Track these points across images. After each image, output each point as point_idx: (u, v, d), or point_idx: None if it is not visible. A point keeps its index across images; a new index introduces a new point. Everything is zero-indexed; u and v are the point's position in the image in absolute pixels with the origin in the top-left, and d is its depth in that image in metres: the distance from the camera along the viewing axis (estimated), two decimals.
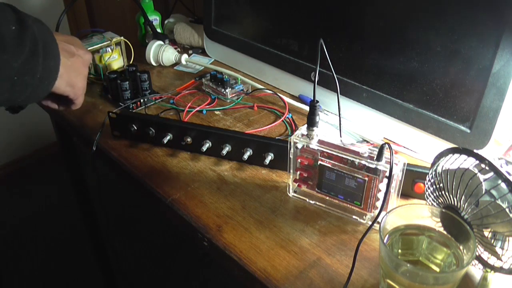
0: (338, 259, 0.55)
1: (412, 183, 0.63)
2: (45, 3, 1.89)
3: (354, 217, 0.61)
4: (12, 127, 1.96)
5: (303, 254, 0.56)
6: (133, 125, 0.74)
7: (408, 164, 0.60)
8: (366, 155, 0.57)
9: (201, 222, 0.61)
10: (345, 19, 0.78)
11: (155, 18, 1.08)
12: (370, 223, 0.58)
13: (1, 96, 0.48)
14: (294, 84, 0.89)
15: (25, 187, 2.06)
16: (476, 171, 0.48)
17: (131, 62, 0.99)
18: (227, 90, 0.87)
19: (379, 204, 0.58)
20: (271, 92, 0.90)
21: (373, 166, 0.56)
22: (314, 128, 0.60)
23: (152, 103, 0.86)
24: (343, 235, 0.59)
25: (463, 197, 0.49)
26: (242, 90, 0.90)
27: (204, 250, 0.60)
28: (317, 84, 0.57)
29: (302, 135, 0.61)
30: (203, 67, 1.00)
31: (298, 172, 0.63)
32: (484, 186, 0.47)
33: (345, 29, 0.78)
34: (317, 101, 0.59)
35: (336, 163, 0.59)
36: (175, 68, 1.01)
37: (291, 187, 0.65)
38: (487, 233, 0.49)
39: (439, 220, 0.50)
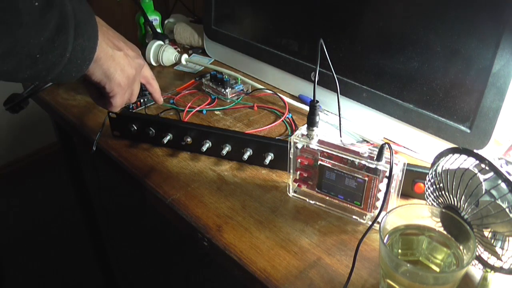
0: (338, 259, 0.55)
1: (412, 183, 0.63)
2: None
3: (354, 217, 0.61)
4: (12, 127, 1.96)
5: (303, 254, 0.56)
6: (133, 125, 0.74)
7: (408, 164, 0.60)
8: (366, 155, 0.57)
9: (201, 222, 0.61)
10: (345, 19, 0.78)
11: (155, 18, 1.08)
12: (370, 223, 0.58)
13: (22, 73, 0.45)
14: (294, 84, 0.89)
15: (25, 187, 2.06)
16: (476, 171, 0.48)
17: None
18: (227, 90, 0.87)
19: (379, 204, 0.58)
20: (271, 92, 0.90)
21: (373, 166, 0.56)
22: (314, 128, 0.60)
23: (152, 103, 0.86)
24: (343, 235, 0.59)
25: (463, 197, 0.49)
26: (242, 90, 0.90)
27: (204, 250, 0.60)
28: (317, 84, 0.57)
29: (302, 135, 0.61)
30: (203, 67, 1.00)
31: (298, 172, 0.63)
32: (484, 186, 0.47)
33: (345, 29, 0.78)
34: (317, 101, 0.59)
35: (336, 163, 0.59)
36: (175, 68, 1.01)
37: (291, 187, 0.65)
38: (487, 233, 0.49)
39: (439, 220, 0.50)
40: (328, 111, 0.83)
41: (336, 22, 0.79)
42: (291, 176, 0.64)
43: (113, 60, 0.54)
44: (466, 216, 0.49)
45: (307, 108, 0.82)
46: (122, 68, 0.56)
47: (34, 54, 0.44)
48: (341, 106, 0.66)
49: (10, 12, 0.41)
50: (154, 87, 0.68)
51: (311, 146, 0.60)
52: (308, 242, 0.58)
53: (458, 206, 0.50)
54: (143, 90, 0.87)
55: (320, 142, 0.60)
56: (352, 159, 0.58)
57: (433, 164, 0.54)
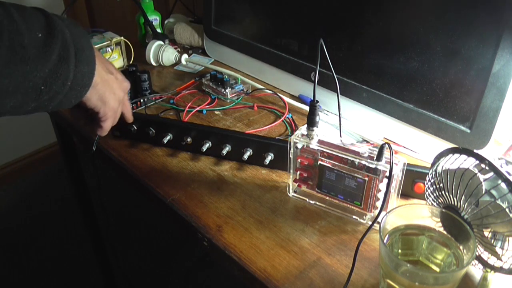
0: (338, 259, 0.55)
1: (412, 183, 0.63)
2: (45, 3, 1.89)
3: (354, 217, 0.61)
4: (12, 127, 1.96)
5: (303, 254, 0.56)
6: (133, 125, 0.74)
7: (408, 164, 0.60)
8: (366, 155, 0.57)
9: (201, 222, 0.61)
10: (345, 19, 0.78)
11: (155, 18, 1.08)
12: (370, 223, 0.58)
13: (27, 106, 0.45)
14: (294, 84, 0.89)
15: (25, 187, 2.06)
16: (476, 171, 0.48)
17: (131, 62, 0.99)
18: (227, 90, 0.87)
19: (379, 204, 0.58)
20: (271, 92, 0.90)
21: (373, 166, 0.56)
22: (314, 128, 0.60)
23: (152, 103, 0.86)
24: (343, 235, 0.59)
25: (463, 197, 0.49)
26: (242, 90, 0.90)
27: (204, 250, 0.60)
28: (317, 84, 0.57)
29: (302, 135, 0.61)
30: (203, 67, 1.00)
31: (298, 172, 0.63)
32: (484, 186, 0.47)
33: (345, 29, 0.78)
34: (317, 101, 0.59)
35: (336, 163, 0.59)
36: (175, 68, 1.01)
37: (291, 187, 0.65)
38: (487, 233, 0.49)
39: (439, 220, 0.50)
40: (328, 111, 0.83)
41: (336, 22, 0.79)
42: (291, 176, 0.64)
43: (108, 84, 0.54)
44: (466, 216, 0.49)
45: (307, 108, 0.82)
46: (114, 92, 0.56)
47: (39, 87, 0.44)
48: (341, 106, 0.66)
49: (17, 50, 0.41)
50: (127, 107, 0.66)
51: (311, 146, 0.60)
52: (308, 242, 0.58)
53: (458, 206, 0.50)
54: (143, 90, 0.87)
55: (320, 142, 0.60)
56: (352, 159, 0.58)
57: (433, 164, 0.54)
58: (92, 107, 0.53)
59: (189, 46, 1.10)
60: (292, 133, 0.77)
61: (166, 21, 1.13)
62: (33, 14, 0.44)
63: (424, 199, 0.56)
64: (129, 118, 0.68)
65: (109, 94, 0.54)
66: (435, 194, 0.54)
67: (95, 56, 0.49)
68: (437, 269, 0.49)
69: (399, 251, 0.50)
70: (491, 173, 0.47)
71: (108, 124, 0.58)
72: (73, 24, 0.48)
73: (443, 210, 0.50)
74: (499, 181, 0.46)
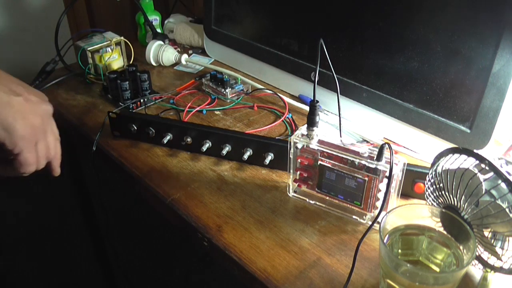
0: (338, 259, 0.55)
1: (412, 183, 0.63)
2: (45, 3, 1.89)
3: (354, 217, 0.61)
4: None
5: (303, 254, 0.56)
6: (133, 125, 0.74)
7: (408, 164, 0.60)
8: (366, 155, 0.57)
9: (201, 222, 0.61)
10: (345, 19, 0.78)
11: (155, 18, 1.08)
12: (370, 223, 0.58)
13: None
14: (294, 84, 0.89)
15: (25, 187, 2.06)
16: (476, 171, 0.48)
17: (131, 62, 0.99)
18: (227, 90, 0.87)
19: (379, 204, 0.58)
20: (271, 92, 0.90)
21: (373, 166, 0.56)
22: (314, 128, 0.60)
23: (152, 103, 0.86)
24: (343, 235, 0.59)
25: (463, 197, 0.49)
26: (242, 90, 0.90)
27: (204, 250, 0.60)
28: (317, 84, 0.57)
29: (302, 135, 0.61)
30: (203, 67, 1.00)
31: (298, 172, 0.63)
32: (484, 186, 0.47)
33: (345, 29, 0.78)
34: (317, 101, 0.59)
35: (336, 163, 0.59)
36: (175, 68, 1.01)
37: (291, 187, 0.65)
38: (487, 233, 0.49)
39: (439, 220, 0.50)
40: (328, 111, 0.83)
41: (336, 22, 0.79)
42: (291, 176, 0.64)
43: (11, 107, 0.45)
44: (466, 216, 0.49)
45: (307, 108, 0.82)
46: (24, 116, 0.46)
47: None
48: (341, 106, 0.66)
49: None
50: (57, 153, 0.56)
51: (311, 146, 0.60)
52: (308, 242, 0.58)
53: (458, 206, 0.50)
54: (143, 90, 0.87)
55: (320, 142, 0.60)
56: (352, 159, 0.58)
57: (433, 164, 0.54)
58: None
59: (189, 46, 1.09)
60: (292, 133, 0.77)
61: (166, 21, 1.13)
62: None
63: (424, 199, 0.57)
64: (55, 169, 0.55)
65: (13, 119, 0.45)
66: (435, 194, 0.54)
67: None
68: (437, 269, 0.49)
69: (399, 251, 0.50)
70: (491, 173, 0.47)
71: (26, 157, 0.48)
72: None
73: (443, 210, 0.50)
74: (499, 181, 0.46)
